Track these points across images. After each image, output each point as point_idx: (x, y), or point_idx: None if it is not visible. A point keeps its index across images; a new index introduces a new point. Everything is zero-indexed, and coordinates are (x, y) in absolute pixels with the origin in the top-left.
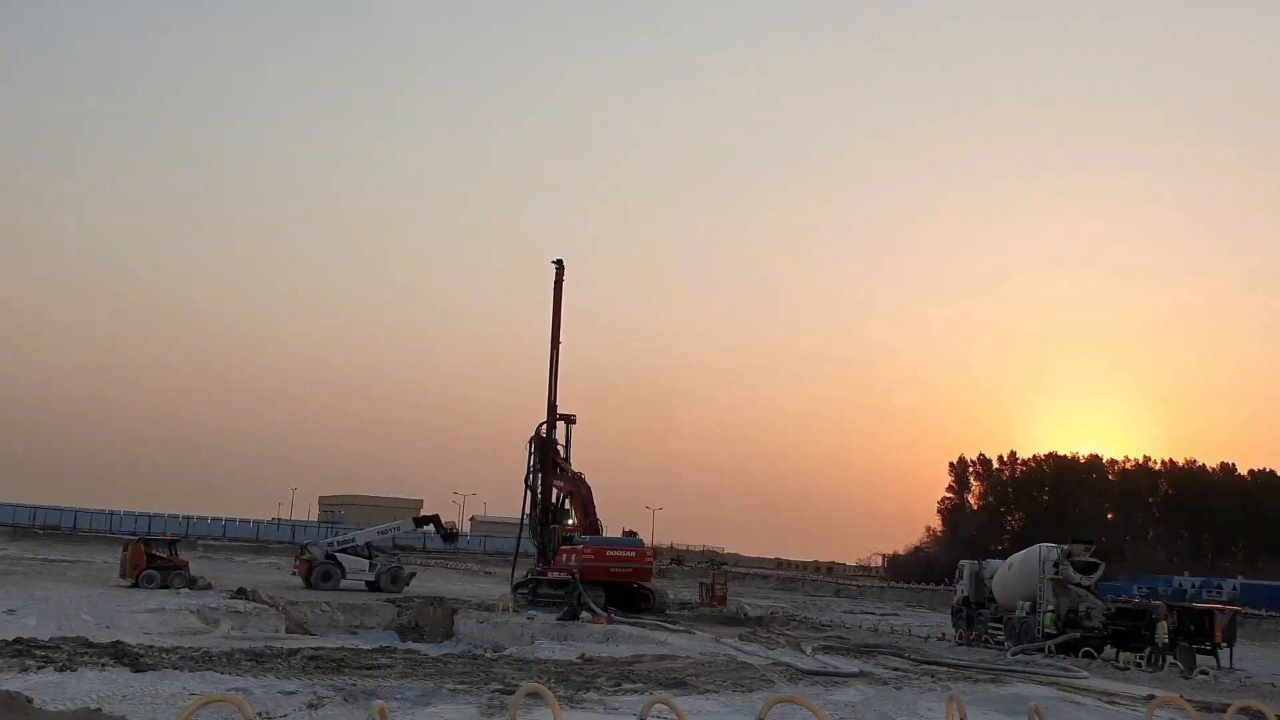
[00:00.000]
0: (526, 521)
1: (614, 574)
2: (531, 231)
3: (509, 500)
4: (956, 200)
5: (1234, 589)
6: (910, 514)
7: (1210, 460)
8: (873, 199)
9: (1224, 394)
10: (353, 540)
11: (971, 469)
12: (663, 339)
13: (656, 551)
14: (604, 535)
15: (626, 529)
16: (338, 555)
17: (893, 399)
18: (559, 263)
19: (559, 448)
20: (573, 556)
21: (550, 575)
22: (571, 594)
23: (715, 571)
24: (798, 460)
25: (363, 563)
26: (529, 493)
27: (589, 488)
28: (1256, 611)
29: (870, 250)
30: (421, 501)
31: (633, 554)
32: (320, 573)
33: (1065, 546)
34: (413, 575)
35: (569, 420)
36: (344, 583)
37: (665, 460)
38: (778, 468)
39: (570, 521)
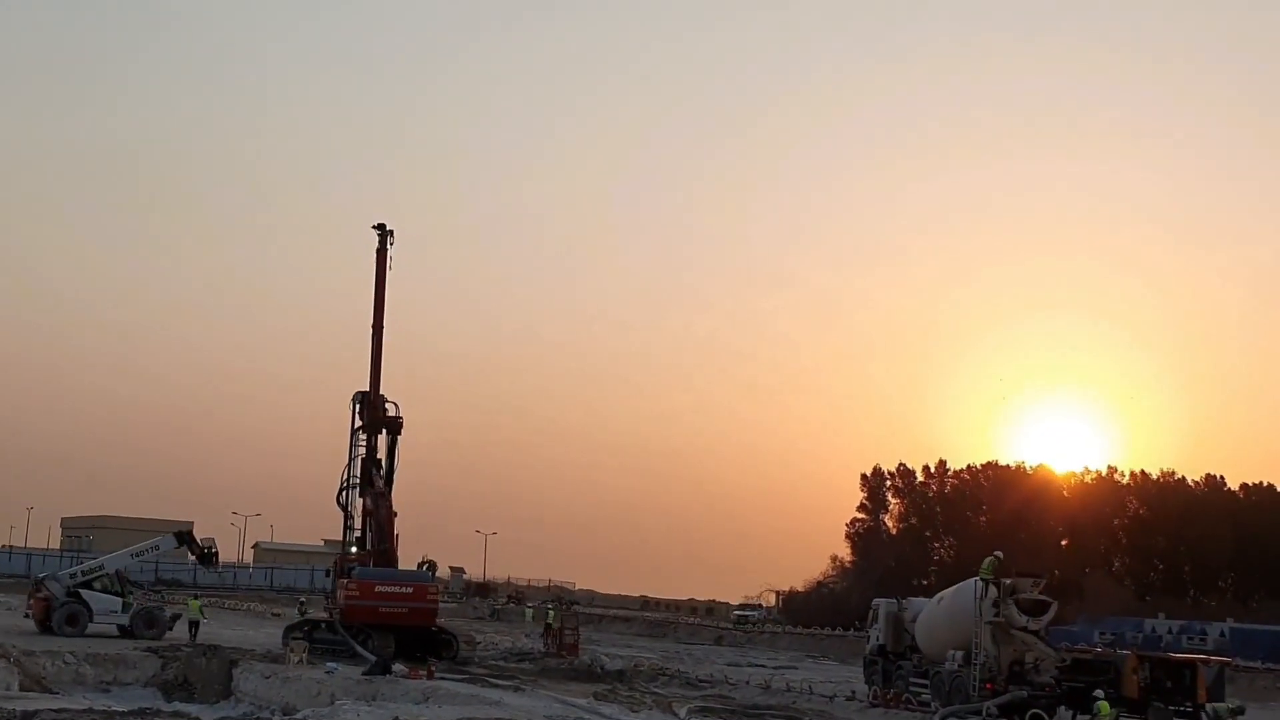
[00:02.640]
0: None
1: (384, 615)
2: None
3: (303, 523)
4: (870, 148)
5: (1221, 635)
6: (811, 540)
7: (1192, 473)
8: (768, 158)
9: (1209, 393)
10: (100, 569)
11: (889, 483)
12: (507, 329)
13: (489, 587)
14: (397, 567)
15: (424, 559)
16: (83, 591)
17: (790, 398)
18: (383, 229)
19: (379, 459)
20: (340, 593)
21: (318, 616)
22: (363, 641)
23: (564, 613)
24: (668, 476)
25: (115, 601)
26: (344, 513)
27: (390, 509)
28: (1249, 663)
29: (759, 211)
30: (191, 524)
31: (409, 590)
32: (64, 615)
33: (1008, 581)
34: (175, 618)
35: (394, 425)
36: (92, 626)
37: (506, 475)
38: (644, 485)
39: (354, 549)
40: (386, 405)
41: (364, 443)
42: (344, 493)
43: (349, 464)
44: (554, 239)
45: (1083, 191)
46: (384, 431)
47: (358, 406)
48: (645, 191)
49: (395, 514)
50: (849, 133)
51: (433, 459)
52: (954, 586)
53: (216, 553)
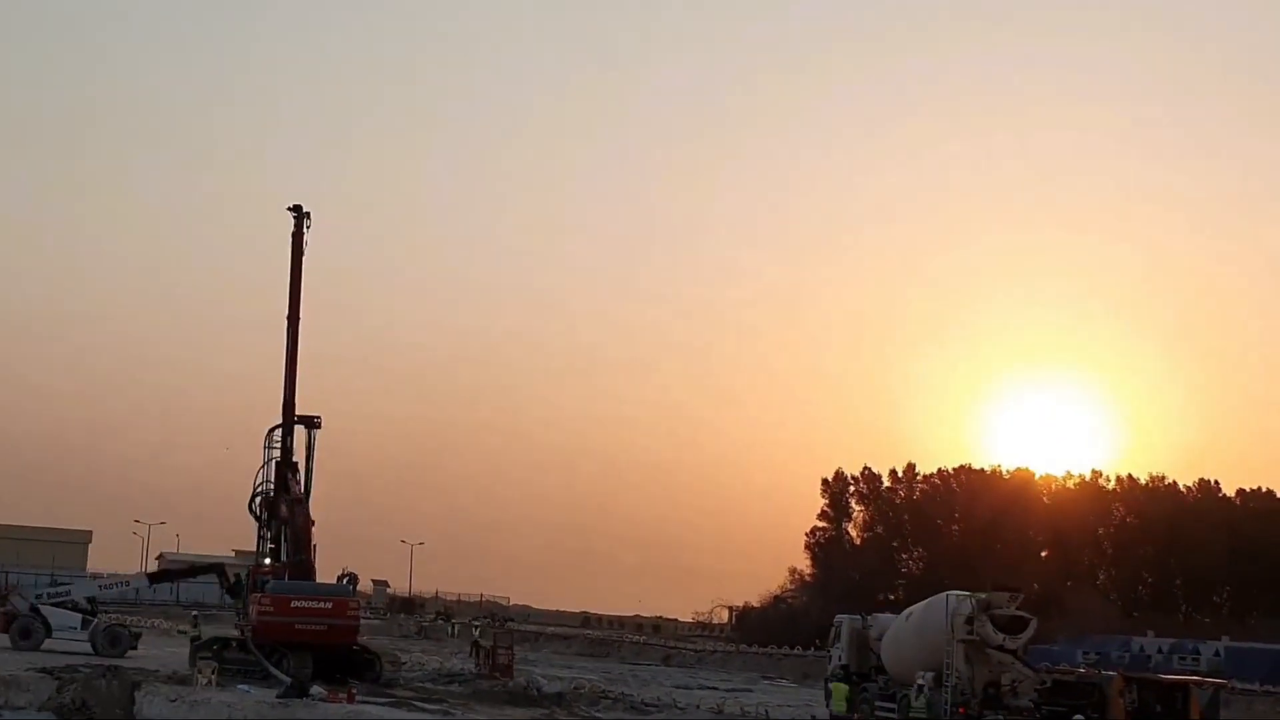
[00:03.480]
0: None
1: (300, 632)
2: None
3: (212, 532)
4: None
5: (1216, 654)
6: (768, 551)
7: (1184, 477)
8: (726, 146)
9: (1203, 391)
10: (67, 594)
11: (853, 488)
12: (438, 320)
13: (416, 603)
14: (315, 580)
15: (345, 571)
16: (43, 608)
17: (746, 396)
18: (299, 211)
19: (295, 462)
20: (253, 609)
21: (228, 635)
22: (278, 661)
23: (498, 630)
24: (613, 482)
25: (74, 618)
26: (257, 522)
27: (308, 517)
28: (1246, 685)
29: (717, 199)
30: (90, 533)
31: (328, 606)
32: (18, 629)
33: (982, 595)
34: (138, 636)
35: (311, 424)
36: (53, 643)
37: (435, 480)
38: (586, 492)
39: (267, 561)
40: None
41: (279, 444)
42: (257, 499)
43: (263, 467)
44: (504, 226)
45: (1063, 166)
46: (301, 432)
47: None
48: (601, 178)
49: (313, 522)
50: (809, 117)
51: (355, 462)
52: (924, 601)
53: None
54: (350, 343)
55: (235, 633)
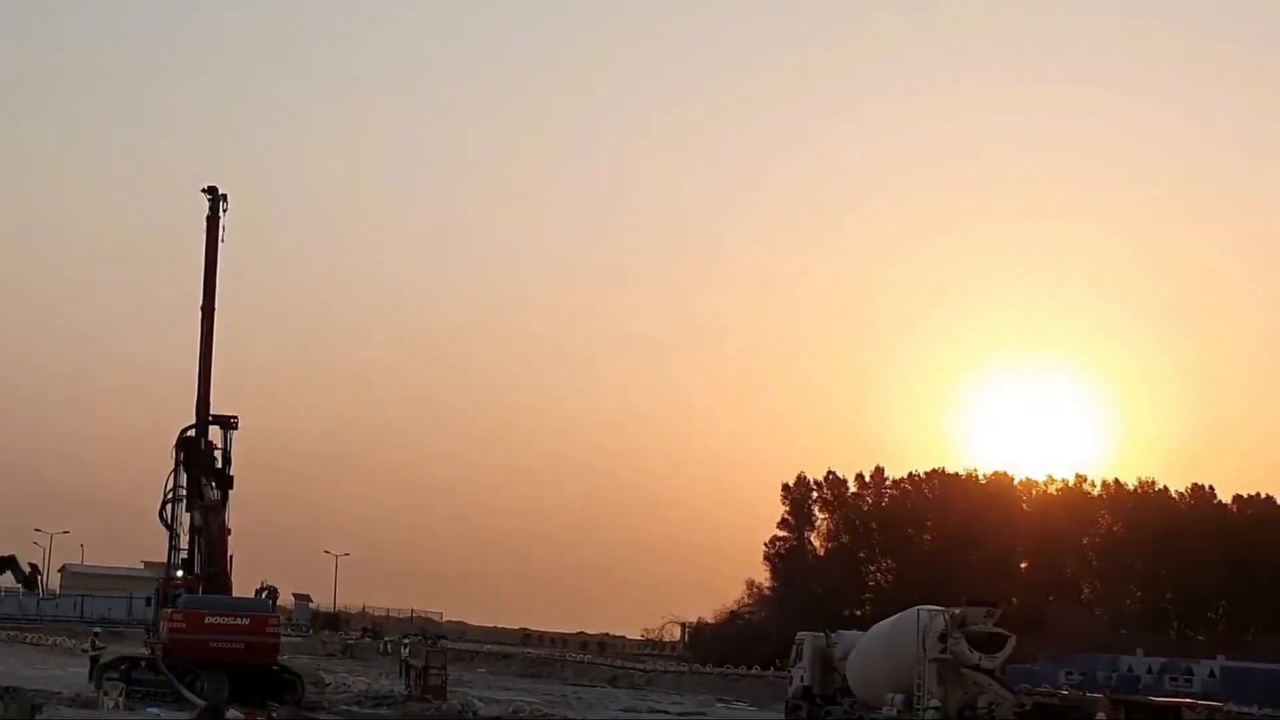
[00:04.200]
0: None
1: (216, 651)
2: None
3: (120, 542)
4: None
5: (1211, 675)
6: (723, 563)
7: (1176, 482)
8: (700, 129)
9: (1197, 388)
10: None
11: (816, 494)
12: (367, 314)
13: (342, 619)
14: (231, 594)
15: (263, 585)
16: None
17: (698, 393)
18: (214, 193)
19: (210, 465)
20: (165, 625)
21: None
22: (191, 682)
23: (429, 648)
24: (555, 488)
25: None
26: (169, 531)
27: (224, 526)
28: (1244, 709)
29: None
30: None
31: (246, 622)
32: None
33: (957, 611)
34: None
35: (227, 424)
36: None
37: (363, 487)
38: (526, 499)
39: (179, 573)
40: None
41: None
42: (168, 506)
43: (174, 471)
44: (450, 211)
45: (1050, 150)
46: (217, 433)
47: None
48: (564, 158)
49: (229, 531)
50: (778, 100)
51: (275, 466)
52: (893, 617)
53: (41, 575)
54: (271, 338)
55: (145, 651)
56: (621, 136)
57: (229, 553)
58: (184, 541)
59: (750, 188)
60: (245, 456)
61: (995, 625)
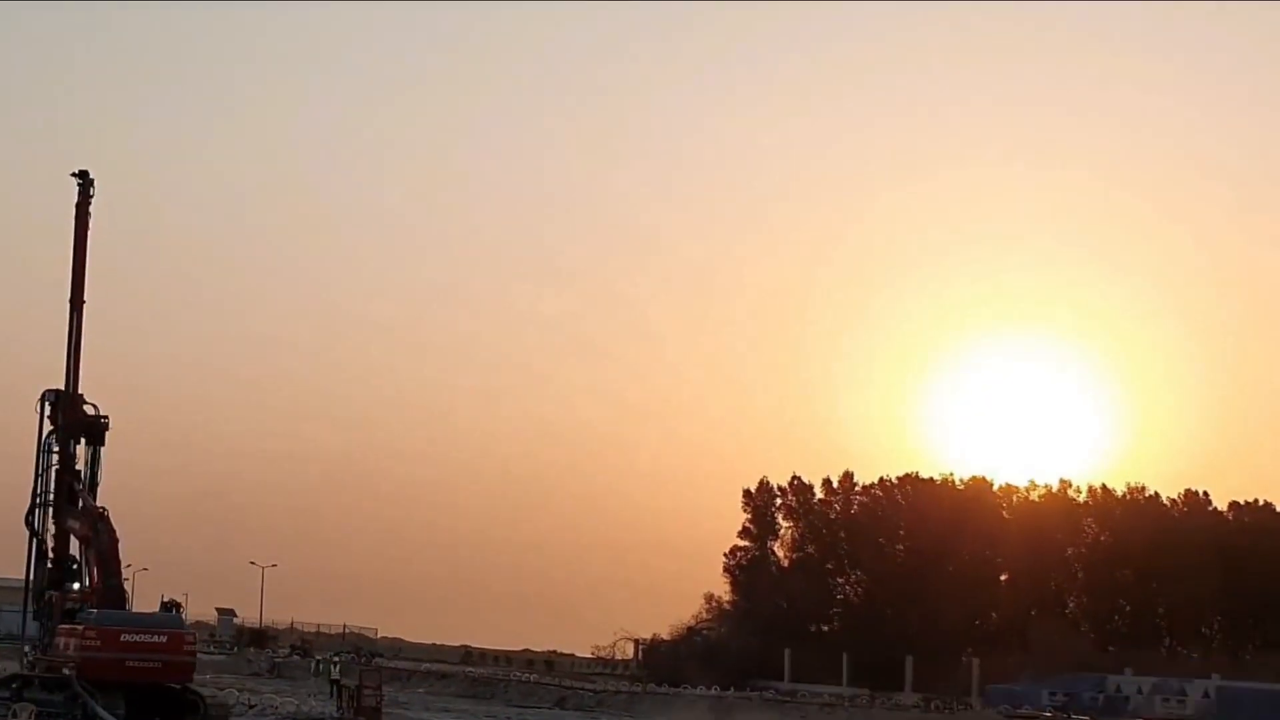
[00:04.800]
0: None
1: (132, 669)
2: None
3: None
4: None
5: (1205, 695)
6: (680, 575)
7: (1168, 488)
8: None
9: (1190, 385)
10: None
11: (780, 501)
12: (288, 309)
13: (270, 634)
14: (130, 609)
15: (166, 599)
16: None
17: (652, 394)
18: (85, 177)
19: (78, 469)
20: (71, 642)
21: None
22: (75, 703)
23: (363, 667)
24: (498, 498)
25: None
26: (33, 539)
27: (113, 534)
28: None
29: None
30: None
31: (163, 639)
32: None
33: None
34: None
35: (97, 424)
36: None
37: (291, 494)
38: (466, 509)
39: (76, 586)
40: (87, 405)
41: (58, 451)
42: (34, 512)
43: (39, 476)
44: (367, 198)
45: (1028, 100)
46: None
47: (48, 406)
48: (488, 141)
49: (118, 540)
50: (714, 71)
51: (196, 472)
52: None
53: None
54: (187, 336)
55: (25, 668)
56: (554, 127)
57: (124, 562)
58: (50, 548)
59: (685, 179)
60: (161, 460)
61: None
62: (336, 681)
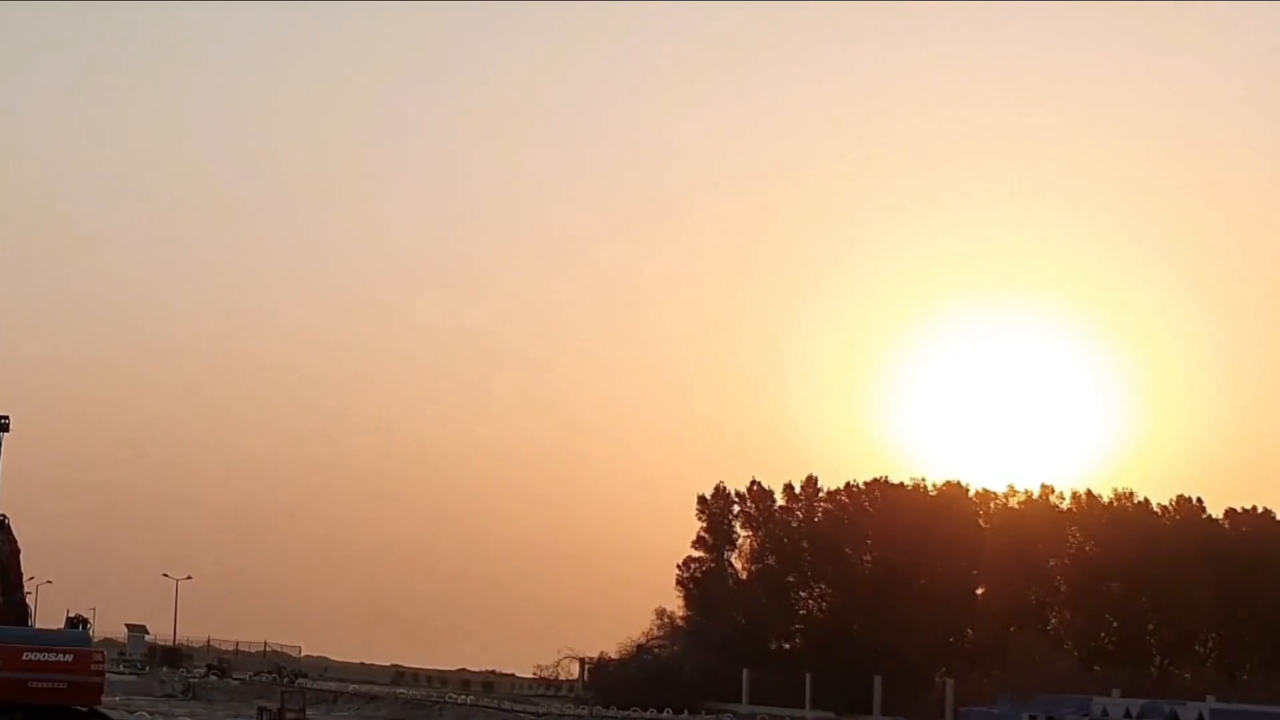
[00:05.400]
0: None
1: (35, 691)
2: None
3: None
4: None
5: (1199, 718)
6: (629, 589)
7: (1158, 494)
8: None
9: (1185, 379)
10: None
11: (738, 508)
12: (201, 305)
13: (184, 653)
14: (33, 626)
15: (71, 615)
16: None
17: (593, 394)
18: None
19: None
20: None
21: None
22: None
23: (285, 687)
24: (431, 509)
25: None
26: None
27: (14, 543)
28: None
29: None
30: None
31: (68, 658)
32: None
33: None
34: None
35: None
36: None
37: (207, 501)
38: (397, 520)
39: None
40: None
41: None
42: None
43: None
44: (258, 187)
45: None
46: None
47: None
48: (396, 132)
49: (19, 550)
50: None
51: (105, 480)
52: None
53: None
54: (97, 335)
55: None
56: (456, 102)
57: (25, 575)
58: None
59: (598, 176)
60: (67, 466)
61: None
62: (259, 704)
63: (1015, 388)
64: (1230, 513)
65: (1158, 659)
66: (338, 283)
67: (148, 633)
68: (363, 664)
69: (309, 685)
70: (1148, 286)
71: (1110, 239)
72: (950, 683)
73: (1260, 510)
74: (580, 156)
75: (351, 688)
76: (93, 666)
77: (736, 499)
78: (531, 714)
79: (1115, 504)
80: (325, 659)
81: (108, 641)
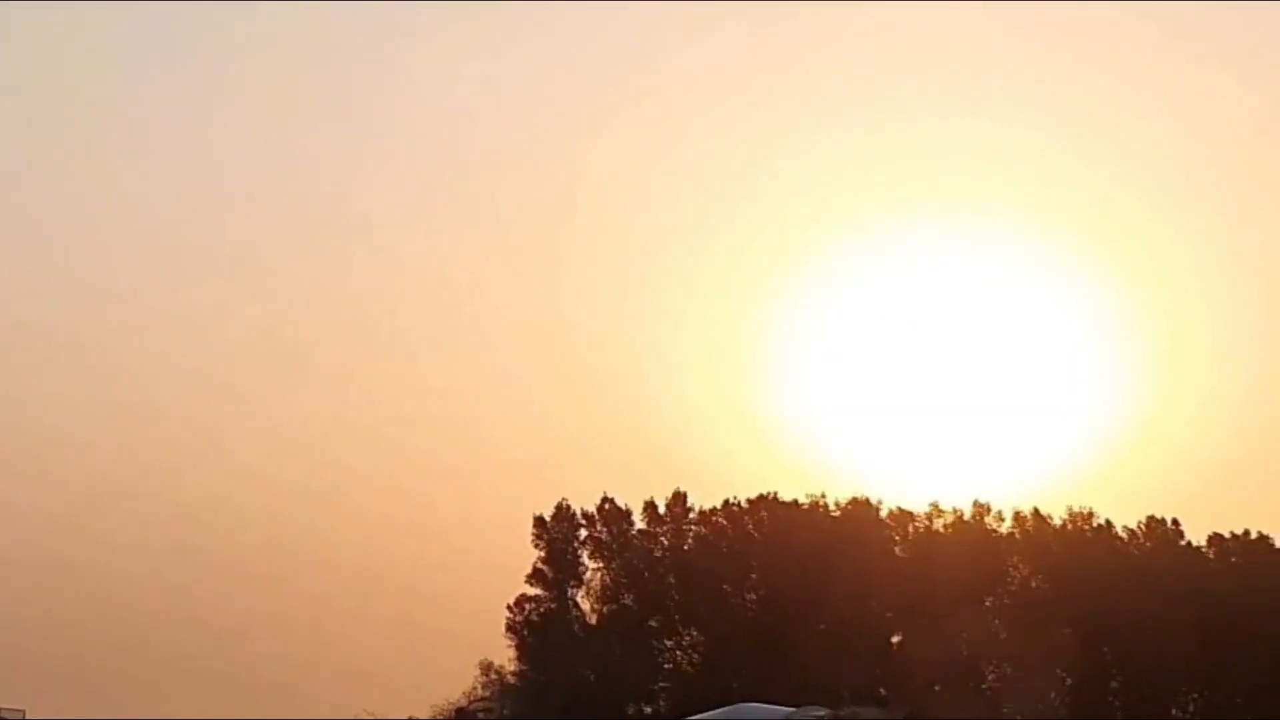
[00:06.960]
0: None
1: None
2: None
3: None
4: None
5: None
6: (446, 636)
7: (1124, 515)
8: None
9: (1166, 373)
10: None
11: (586, 533)
12: None
13: None
14: None
15: None
16: None
17: (395, 398)
18: None
19: None
20: None
21: None
22: None
23: None
24: (197, 543)
25: None
26: None
27: None
28: None
29: None
30: None
31: None
32: None
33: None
34: None
35: None
36: None
37: None
38: (149, 559)
39: None
40: None
41: None
42: None
43: None
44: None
45: None
46: None
47: None
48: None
49: None
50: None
51: None
52: None
53: None
54: None
55: None
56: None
57: None
58: None
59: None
60: None
61: None
62: None
63: (939, 371)
64: (1215, 538)
65: (1118, 704)
66: (84, 277)
67: None
68: None
69: None
70: (1130, 206)
71: (1088, 155)
72: None
73: (1256, 535)
74: (360, 134)
75: None
76: None
77: (584, 521)
78: None
79: (1069, 527)
80: None
81: None
